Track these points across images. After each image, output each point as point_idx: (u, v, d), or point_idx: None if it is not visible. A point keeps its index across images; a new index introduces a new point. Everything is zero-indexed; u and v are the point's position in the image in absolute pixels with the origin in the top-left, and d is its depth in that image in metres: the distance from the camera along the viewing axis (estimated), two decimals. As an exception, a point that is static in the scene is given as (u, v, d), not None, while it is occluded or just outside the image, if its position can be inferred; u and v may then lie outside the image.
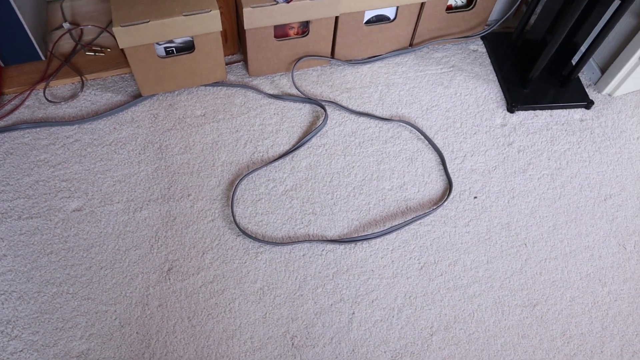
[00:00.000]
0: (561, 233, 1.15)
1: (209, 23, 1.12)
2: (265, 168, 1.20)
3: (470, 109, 1.31)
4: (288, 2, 1.14)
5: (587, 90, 1.36)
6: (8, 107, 1.22)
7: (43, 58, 1.27)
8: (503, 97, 1.33)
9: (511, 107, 1.30)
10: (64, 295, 1.02)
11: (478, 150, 1.25)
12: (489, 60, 1.40)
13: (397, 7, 1.25)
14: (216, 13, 1.11)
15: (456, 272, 1.09)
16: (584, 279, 1.10)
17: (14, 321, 0.99)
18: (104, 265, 1.06)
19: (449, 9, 1.33)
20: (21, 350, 0.97)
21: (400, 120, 1.28)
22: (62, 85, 1.27)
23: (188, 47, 1.19)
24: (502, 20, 1.30)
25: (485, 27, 1.40)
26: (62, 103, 1.24)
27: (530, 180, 1.22)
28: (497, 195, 1.19)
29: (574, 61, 1.38)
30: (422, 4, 1.26)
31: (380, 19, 1.28)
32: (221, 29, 1.15)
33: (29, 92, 1.24)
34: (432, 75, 1.36)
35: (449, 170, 1.21)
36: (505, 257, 1.12)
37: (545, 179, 1.22)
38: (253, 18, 1.15)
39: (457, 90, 1.34)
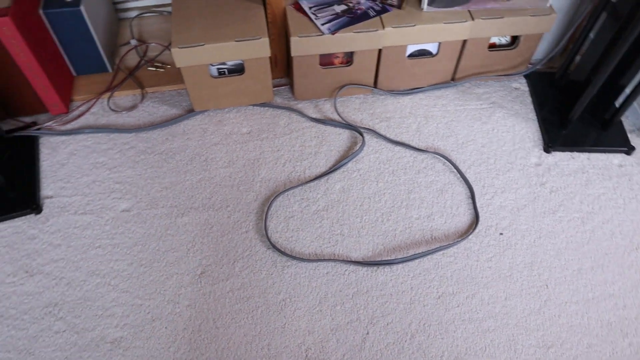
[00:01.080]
0: (586, 278, 1.15)
1: (258, 49, 1.22)
2: (301, 187, 1.27)
3: (505, 146, 1.33)
4: (333, 34, 1.21)
5: (629, 135, 1.34)
6: (76, 113, 1.36)
7: (110, 70, 1.41)
8: (541, 136, 1.34)
9: (548, 147, 1.31)
10: (105, 286, 1.13)
11: (509, 187, 1.27)
12: (531, 99, 1.41)
13: (439, 43, 1.29)
14: (265, 40, 1.20)
15: (473, 305, 1.11)
16: (604, 327, 1.09)
17: (60, 304, 1.10)
18: (144, 263, 1.16)
19: (492, 46, 1.36)
20: (64, 331, 1.07)
21: (435, 152, 1.31)
22: (124, 96, 1.40)
23: (239, 69, 1.29)
24: (547, 59, 1.32)
25: (529, 65, 1.42)
26: (123, 112, 1.37)
27: (560, 222, 1.22)
28: (523, 234, 1.20)
29: (617, 104, 1.37)
30: (465, 42, 1.30)
31: (422, 53, 1.33)
32: (269, 55, 1.24)
33: (95, 100, 1.38)
34: (472, 110, 1.39)
35: (478, 205, 1.24)
36: (525, 295, 1.13)
37: (576, 222, 1.22)
38: (300, 46, 1.23)
39: (495, 126, 1.36)
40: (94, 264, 1.15)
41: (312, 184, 1.27)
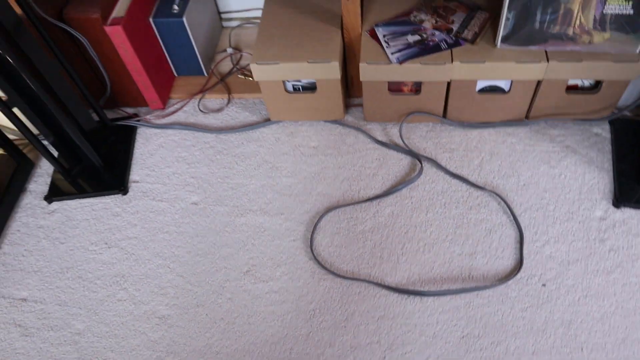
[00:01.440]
0: (630, 350, 1.07)
1: (329, 71, 1.29)
2: (352, 206, 1.32)
3: (570, 194, 1.27)
4: (400, 63, 1.24)
5: None
6: (171, 109, 1.54)
7: (205, 74, 1.57)
8: (612, 189, 1.26)
9: (617, 202, 1.22)
10: (165, 268, 1.28)
11: (564, 238, 1.21)
12: (610, 147, 1.32)
13: (511, 81, 1.26)
14: (335, 64, 1.27)
15: (497, 352, 1.10)
16: (639, 405, 1.02)
17: (126, 276, 1.28)
18: (200, 253, 1.29)
19: (573, 88, 1.29)
20: (125, 300, 1.25)
21: (492, 190, 1.29)
22: (213, 99, 1.56)
23: (312, 87, 1.37)
24: (634, 105, 1.22)
25: (615, 110, 1.33)
26: (210, 114, 1.52)
27: (613, 284, 1.14)
28: (568, 289, 1.15)
29: None
30: (539, 82, 1.26)
31: (493, 89, 1.31)
32: (339, 77, 1.30)
33: (188, 100, 1.55)
34: (541, 152, 1.34)
35: (525, 251, 1.20)
36: (555, 354, 1.08)
37: (632, 287, 1.14)
38: (368, 72, 1.28)
39: (563, 172, 1.30)
40: (160, 247, 1.31)
41: (363, 204, 1.32)
